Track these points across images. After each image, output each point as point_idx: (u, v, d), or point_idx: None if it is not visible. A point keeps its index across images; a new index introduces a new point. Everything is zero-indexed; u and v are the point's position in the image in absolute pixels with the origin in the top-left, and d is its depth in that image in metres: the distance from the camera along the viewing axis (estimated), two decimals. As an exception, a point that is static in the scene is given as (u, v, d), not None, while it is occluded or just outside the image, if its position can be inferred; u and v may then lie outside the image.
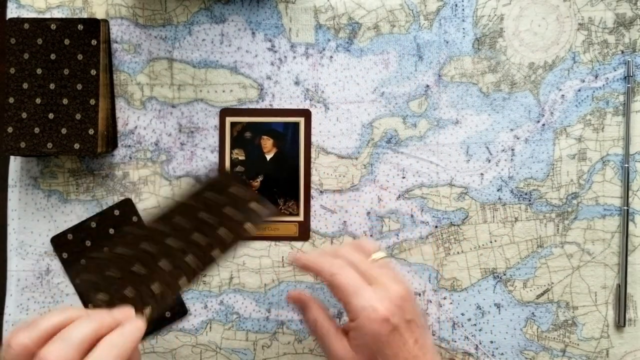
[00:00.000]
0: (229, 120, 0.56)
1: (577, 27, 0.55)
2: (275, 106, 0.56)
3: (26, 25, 0.53)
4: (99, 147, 0.54)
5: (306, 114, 0.56)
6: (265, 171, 0.56)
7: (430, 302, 0.55)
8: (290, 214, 0.56)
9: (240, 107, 0.56)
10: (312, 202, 0.56)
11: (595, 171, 0.55)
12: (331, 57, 0.56)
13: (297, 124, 0.56)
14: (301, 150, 0.56)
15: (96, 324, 0.35)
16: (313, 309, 0.45)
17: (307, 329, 0.43)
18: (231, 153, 0.56)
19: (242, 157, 0.56)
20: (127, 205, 0.57)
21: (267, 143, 0.56)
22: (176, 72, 0.57)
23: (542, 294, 0.54)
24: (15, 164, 0.57)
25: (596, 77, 0.55)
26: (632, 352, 0.54)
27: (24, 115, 0.53)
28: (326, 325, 0.44)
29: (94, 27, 0.54)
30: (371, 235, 0.56)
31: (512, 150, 0.55)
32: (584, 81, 0.55)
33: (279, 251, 0.56)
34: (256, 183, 0.56)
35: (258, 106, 0.56)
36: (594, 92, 0.55)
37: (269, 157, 0.56)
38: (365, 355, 0.41)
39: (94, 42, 0.53)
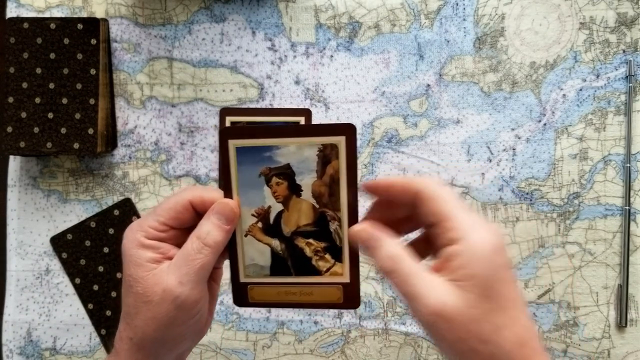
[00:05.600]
0: (229, 119, 0.56)
1: (579, 26, 0.55)
2: (276, 105, 0.56)
3: (26, 25, 0.53)
4: (99, 147, 0.53)
5: (306, 113, 0.56)
6: None
7: (431, 302, 0.55)
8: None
9: (240, 106, 0.56)
10: (312, 202, 0.56)
11: (597, 171, 0.54)
12: (332, 56, 0.56)
13: (297, 123, 0.56)
14: None
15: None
16: (389, 243, 0.34)
17: (380, 270, 0.35)
18: None
19: None
20: (127, 205, 0.56)
21: None
22: (176, 72, 0.56)
23: (544, 294, 0.54)
24: (14, 163, 0.57)
25: (597, 76, 0.54)
26: (634, 352, 0.53)
27: (24, 114, 0.53)
28: (409, 262, 0.33)
29: (94, 27, 0.53)
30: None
31: (513, 149, 0.55)
32: (585, 80, 0.55)
33: (279, 251, 0.56)
34: None
35: (258, 106, 0.56)
36: (595, 91, 0.54)
37: None
38: (475, 293, 0.31)
39: (93, 41, 0.53)
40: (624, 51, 0.54)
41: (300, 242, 0.40)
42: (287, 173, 0.39)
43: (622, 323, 0.53)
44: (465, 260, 0.32)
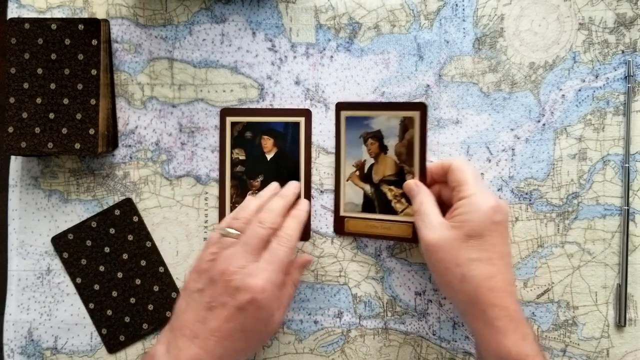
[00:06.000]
0: (229, 120, 0.56)
1: (578, 26, 0.55)
2: (276, 106, 0.56)
3: (27, 25, 0.53)
4: (100, 147, 0.54)
5: (306, 113, 0.56)
6: (265, 171, 0.56)
7: (431, 301, 0.55)
8: (291, 214, 0.56)
9: (240, 106, 0.56)
10: (312, 202, 0.56)
11: (596, 171, 0.54)
12: (332, 57, 0.56)
13: (297, 124, 0.56)
14: (301, 149, 0.56)
15: (285, 201, 0.51)
16: (424, 193, 0.49)
17: (413, 210, 0.50)
18: (232, 153, 0.56)
19: (242, 157, 0.56)
20: (127, 205, 0.57)
21: (268, 143, 0.56)
22: (177, 72, 0.57)
23: (543, 294, 0.54)
24: (15, 163, 0.57)
25: (596, 76, 0.55)
26: (633, 352, 0.54)
27: (25, 115, 0.53)
28: (430, 207, 0.48)
29: (95, 27, 0.54)
30: (371, 235, 0.56)
31: (513, 150, 0.55)
32: (584, 81, 0.55)
33: (280, 251, 0.56)
34: (256, 183, 0.56)
35: (258, 106, 0.56)
36: (594, 91, 0.55)
37: (269, 156, 0.56)
38: (462, 232, 0.45)
39: (94, 42, 0.53)
40: (622, 52, 0.54)
41: (384, 188, 0.54)
42: (378, 136, 0.53)
43: (621, 322, 0.53)
44: (466, 210, 0.45)
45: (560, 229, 0.54)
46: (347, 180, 0.54)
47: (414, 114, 0.51)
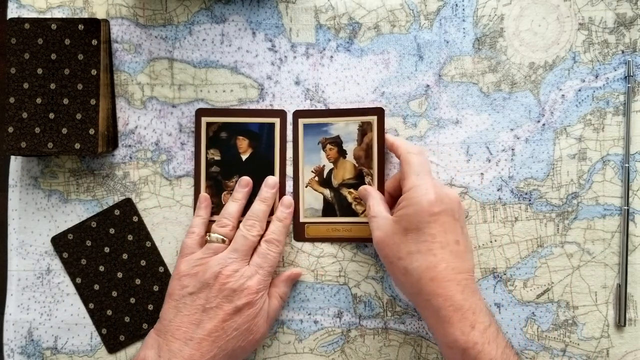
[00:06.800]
0: (204, 120, 0.56)
1: (578, 27, 0.55)
2: (276, 106, 0.56)
3: (27, 25, 0.53)
4: (100, 147, 0.54)
5: (281, 114, 0.56)
6: (240, 172, 0.56)
7: (431, 301, 0.55)
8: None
9: (214, 107, 0.56)
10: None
11: (596, 171, 0.55)
12: (331, 57, 0.56)
13: (272, 125, 0.56)
14: (276, 150, 0.56)
15: (267, 204, 0.53)
16: (374, 197, 0.51)
17: (367, 212, 0.51)
18: (207, 153, 0.56)
19: (217, 157, 0.56)
20: (127, 205, 0.57)
21: (243, 143, 0.56)
22: (176, 72, 0.57)
23: (543, 294, 0.54)
24: (15, 163, 0.57)
25: (596, 76, 0.55)
26: (633, 351, 0.54)
27: (25, 115, 0.53)
28: (379, 208, 0.50)
29: (95, 27, 0.54)
30: (371, 235, 0.56)
31: (512, 150, 0.55)
32: (584, 81, 0.55)
33: (280, 251, 0.56)
34: (232, 183, 0.56)
35: (258, 106, 0.56)
36: (594, 92, 0.55)
37: (244, 157, 0.56)
38: (401, 226, 0.46)
39: (94, 42, 0.53)
40: (622, 52, 0.55)
41: (344, 192, 0.55)
42: (337, 141, 0.55)
43: (620, 322, 0.53)
44: (405, 204, 0.47)
45: (560, 229, 0.54)
46: (306, 187, 0.55)
47: (372, 119, 0.53)
